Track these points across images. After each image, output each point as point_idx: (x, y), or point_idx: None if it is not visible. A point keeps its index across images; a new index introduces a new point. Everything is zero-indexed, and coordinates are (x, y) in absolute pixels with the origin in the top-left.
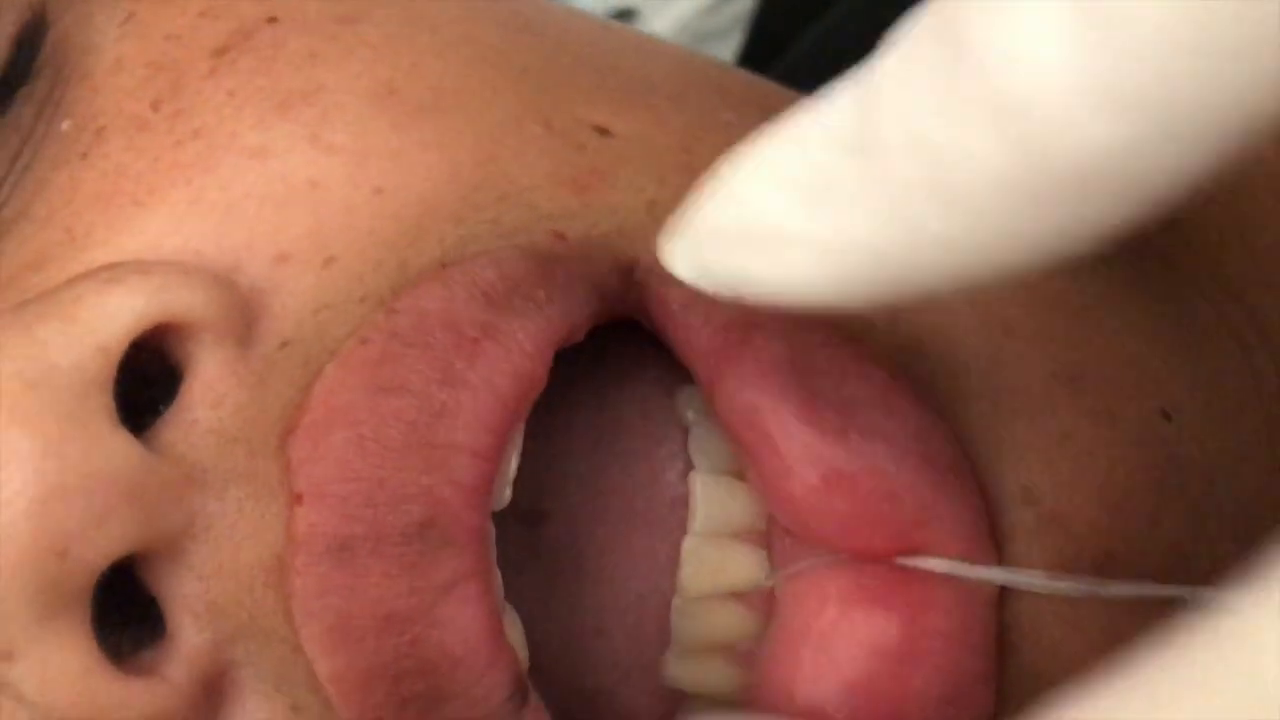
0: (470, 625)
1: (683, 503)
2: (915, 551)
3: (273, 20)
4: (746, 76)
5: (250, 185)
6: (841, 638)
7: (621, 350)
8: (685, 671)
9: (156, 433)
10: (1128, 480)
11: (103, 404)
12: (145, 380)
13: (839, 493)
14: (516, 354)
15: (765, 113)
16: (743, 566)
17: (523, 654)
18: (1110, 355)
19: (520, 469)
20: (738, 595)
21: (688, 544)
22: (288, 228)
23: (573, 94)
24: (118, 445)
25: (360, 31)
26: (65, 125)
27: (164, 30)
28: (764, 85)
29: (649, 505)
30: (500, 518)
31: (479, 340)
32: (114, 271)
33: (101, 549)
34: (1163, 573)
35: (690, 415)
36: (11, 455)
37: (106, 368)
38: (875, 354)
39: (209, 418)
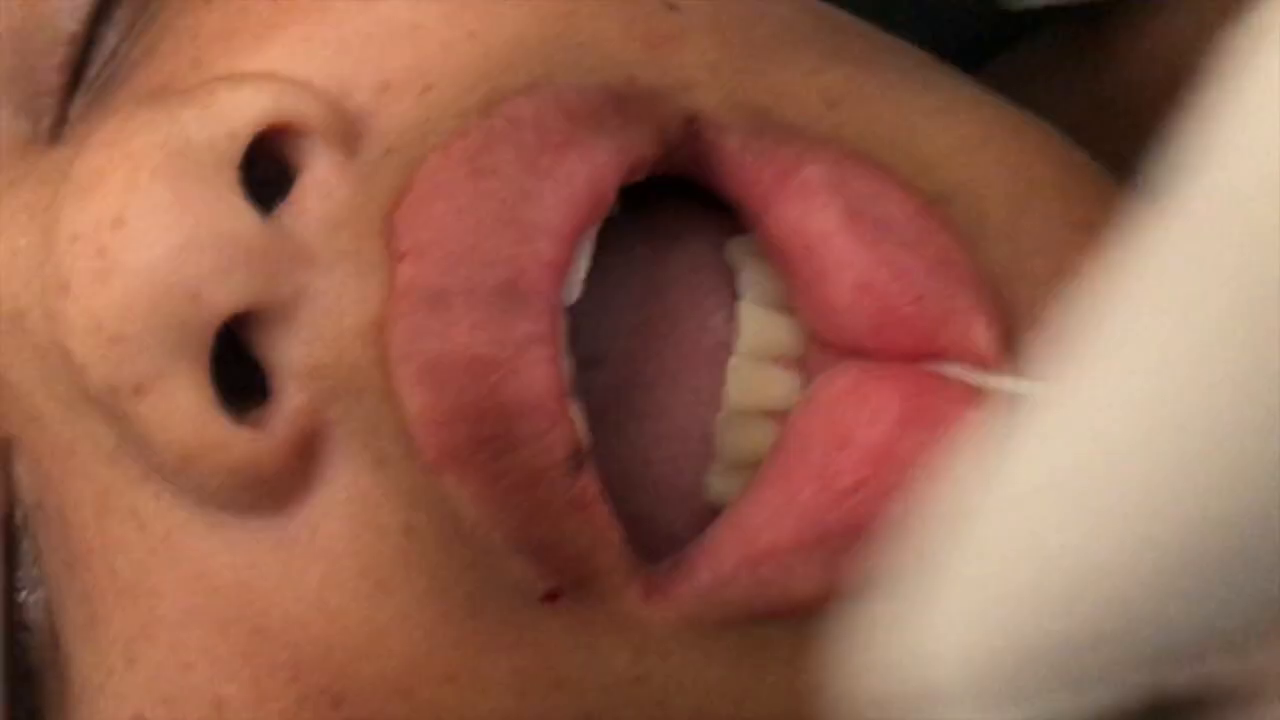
0: (540, 381)
1: (729, 345)
2: (937, 357)
3: None
4: None
5: (357, 26)
6: (850, 407)
7: (674, 213)
8: (726, 486)
9: (272, 219)
10: None
11: (232, 177)
12: (262, 183)
13: (871, 294)
14: (591, 164)
15: (810, 11)
16: (782, 387)
17: (583, 438)
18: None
19: (579, 316)
20: (775, 415)
21: (732, 363)
22: (390, 61)
23: None
24: (244, 213)
25: None
26: None
27: None
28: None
29: (696, 347)
30: None
31: (562, 145)
32: (243, 76)
33: (225, 298)
34: None
35: (738, 258)
36: (153, 209)
37: (235, 150)
38: (909, 186)
39: (319, 207)
